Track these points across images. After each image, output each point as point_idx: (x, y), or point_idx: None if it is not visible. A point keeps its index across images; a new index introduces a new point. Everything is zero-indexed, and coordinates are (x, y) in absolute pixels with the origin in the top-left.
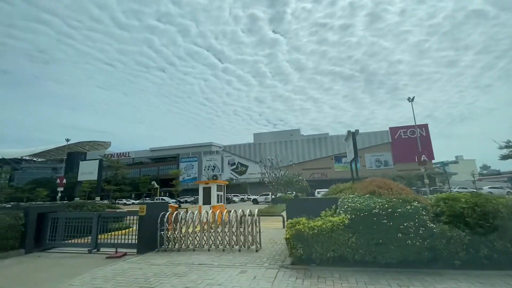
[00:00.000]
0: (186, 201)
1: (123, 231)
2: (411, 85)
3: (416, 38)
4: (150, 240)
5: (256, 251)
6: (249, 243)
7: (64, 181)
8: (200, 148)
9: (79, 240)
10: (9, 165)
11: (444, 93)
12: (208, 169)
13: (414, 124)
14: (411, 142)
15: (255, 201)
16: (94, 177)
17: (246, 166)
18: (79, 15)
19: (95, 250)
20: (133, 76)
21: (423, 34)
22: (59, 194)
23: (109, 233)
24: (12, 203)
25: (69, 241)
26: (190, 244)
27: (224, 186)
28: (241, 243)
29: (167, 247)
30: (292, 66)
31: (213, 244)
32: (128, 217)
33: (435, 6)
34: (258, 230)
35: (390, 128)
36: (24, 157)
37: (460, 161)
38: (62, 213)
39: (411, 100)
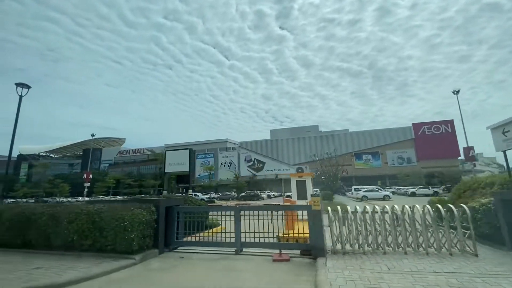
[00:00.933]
0: (211, 197)
1: (216, 228)
2: (421, 82)
3: (427, 33)
4: (319, 240)
5: (476, 255)
6: (463, 246)
7: (91, 176)
8: (215, 145)
9: (193, 237)
10: (26, 161)
11: (455, 89)
12: (224, 166)
13: (440, 120)
14: (436, 139)
15: (289, 198)
16: (185, 168)
17: (263, 163)
18: (88, 13)
19: (240, 250)
20: (141, 74)
21: (434, 28)
22: (86, 190)
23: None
24: (34, 198)
25: (191, 239)
26: (369, 246)
27: (311, 179)
28: (450, 246)
29: (344, 250)
30: (299, 63)
31: (395, 245)
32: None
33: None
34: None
35: (413, 124)
36: (40, 153)
37: (480, 159)
38: (185, 207)
39: (456, 92)
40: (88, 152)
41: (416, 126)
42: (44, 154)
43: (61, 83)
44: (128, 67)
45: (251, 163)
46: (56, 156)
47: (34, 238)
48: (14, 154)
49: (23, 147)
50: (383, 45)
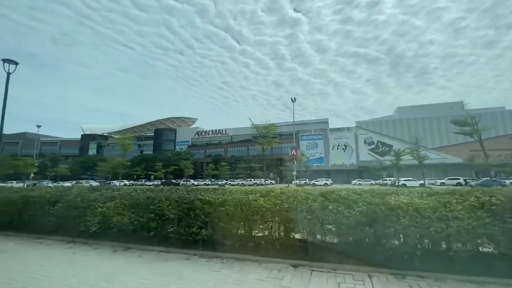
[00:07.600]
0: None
1: None
2: (442, 69)
3: (452, 16)
4: None
5: None
6: None
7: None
8: (313, 125)
9: None
10: (94, 141)
11: (478, 77)
12: (337, 148)
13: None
14: None
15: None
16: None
17: (390, 146)
18: None
19: None
20: (152, 59)
21: (460, 11)
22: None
23: None
24: (124, 180)
25: None
26: None
27: None
28: None
29: None
30: (313, 48)
31: None
32: None
33: None
34: None
35: None
36: (104, 134)
37: None
38: None
39: None
40: (160, 133)
41: None
42: (107, 134)
43: (74, 67)
44: (139, 52)
45: (373, 145)
46: (117, 137)
47: None
48: (77, 134)
49: (87, 126)
50: (403, 29)
